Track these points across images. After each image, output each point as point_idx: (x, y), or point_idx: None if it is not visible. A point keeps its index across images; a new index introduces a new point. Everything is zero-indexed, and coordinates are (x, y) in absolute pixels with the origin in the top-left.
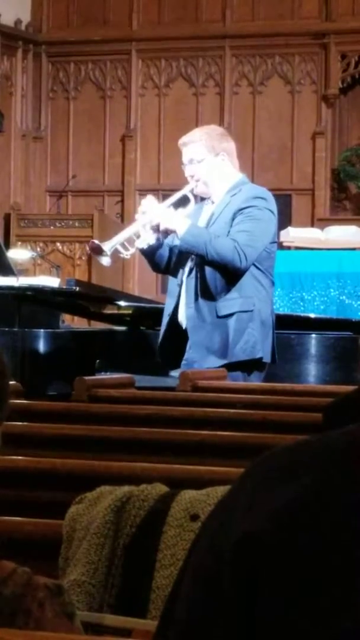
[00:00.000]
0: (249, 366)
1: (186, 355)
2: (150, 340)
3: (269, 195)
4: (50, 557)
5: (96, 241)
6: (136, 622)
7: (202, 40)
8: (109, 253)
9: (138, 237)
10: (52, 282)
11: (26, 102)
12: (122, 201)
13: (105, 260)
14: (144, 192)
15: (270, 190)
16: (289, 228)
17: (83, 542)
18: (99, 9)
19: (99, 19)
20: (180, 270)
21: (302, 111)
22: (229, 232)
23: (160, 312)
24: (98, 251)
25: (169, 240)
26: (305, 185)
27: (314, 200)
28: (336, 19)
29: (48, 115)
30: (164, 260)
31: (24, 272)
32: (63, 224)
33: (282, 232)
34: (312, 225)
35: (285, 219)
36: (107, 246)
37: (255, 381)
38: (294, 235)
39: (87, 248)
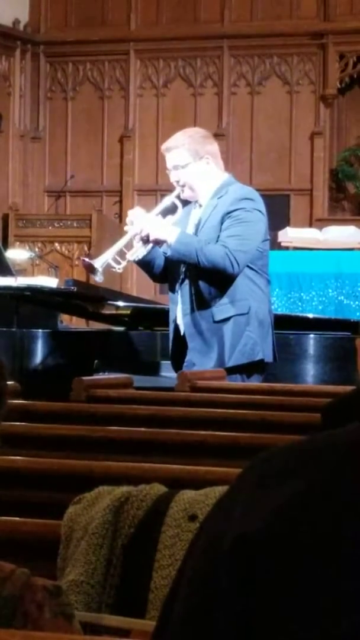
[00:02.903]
0: (249, 369)
1: (187, 358)
2: (148, 341)
3: (256, 195)
4: (48, 557)
5: (87, 259)
6: (135, 622)
7: (201, 40)
8: (100, 270)
9: (129, 248)
10: (51, 282)
11: (24, 102)
12: (121, 201)
13: (98, 278)
14: (142, 192)
15: (269, 190)
16: (287, 228)
17: (81, 543)
18: (97, 10)
19: (97, 20)
20: (176, 278)
21: (301, 111)
22: (218, 236)
23: (158, 312)
24: (90, 269)
25: (164, 249)
26: (303, 186)
27: (312, 200)
28: (334, 19)
29: (46, 115)
30: (161, 270)
31: (22, 272)
32: (61, 224)
33: (281, 233)
34: (311, 225)
35: (283, 219)
36: (98, 263)
37: (255, 382)
38: (292, 235)
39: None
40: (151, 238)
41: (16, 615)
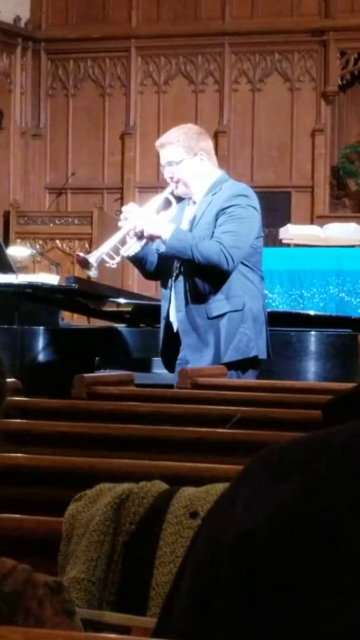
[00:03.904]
0: (243, 365)
1: (180, 354)
2: (149, 338)
3: (251, 192)
4: (49, 554)
5: (81, 254)
6: (136, 619)
7: (202, 37)
8: (95, 265)
9: (123, 244)
10: (52, 279)
11: (25, 99)
12: (122, 198)
13: (93, 273)
14: (143, 189)
15: (270, 187)
16: (289, 225)
17: (82, 540)
18: (98, 6)
19: (98, 16)
20: (169, 274)
21: (302, 108)
22: (213, 232)
23: (159, 309)
24: (85, 264)
25: (156, 246)
26: (304, 183)
27: (313, 197)
28: (335, 16)
29: (47, 112)
30: (154, 267)
31: (24, 269)
32: (62, 221)
33: (282, 230)
34: (312, 222)
35: (284, 216)
36: (92, 258)
37: (250, 379)
38: (293, 232)
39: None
40: (146, 234)
41: (17, 612)
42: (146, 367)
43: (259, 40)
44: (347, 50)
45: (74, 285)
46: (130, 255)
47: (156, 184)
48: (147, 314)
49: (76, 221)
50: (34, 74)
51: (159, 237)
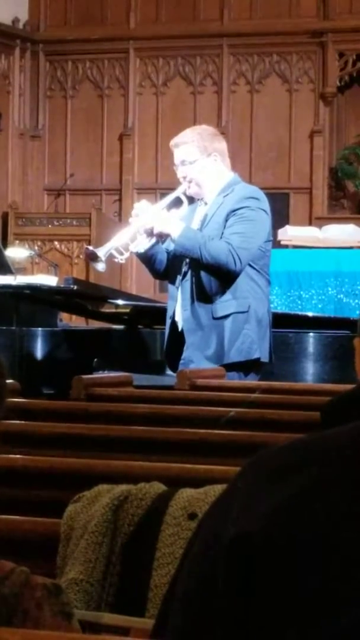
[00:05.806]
0: (245, 367)
1: (184, 354)
2: (148, 339)
3: (262, 195)
4: (48, 556)
5: (90, 247)
6: (134, 621)
7: (200, 39)
8: (103, 259)
9: (133, 240)
10: (50, 280)
11: (24, 100)
12: (120, 200)
13: (100, 266)
14: (141, 190)
15: (268, 188)
16: (287, 227)
17: (81, 541)
18: (97, 8)
19: (97, 18)
20: (177, 274)
21: (300, 110)
22: (222, 233)
23: (158, 310)
24: (93, 257)
25: (166, 245)
26: (303, 184)
27: (311, 199)
28: (334, 17)
29: (46, 113)
30: (163, 266)
31: (22, 270)
32: (61, 222)
33: (280, 231)
34: (310, 223)
35: (282, 218)
36: (101, 252)
37: (252, 381)
38: (291, 234)
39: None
40: (155, 231)
41: (16, 614)
42: (145, 368)
43: (257, 42)
44: (346, 51)
45: (72, 286)
46: (140, 252)
47: (155, 185)
48: (145, 315)
49: (74, 222)
50: (33, 75)
51: (168, 235)
